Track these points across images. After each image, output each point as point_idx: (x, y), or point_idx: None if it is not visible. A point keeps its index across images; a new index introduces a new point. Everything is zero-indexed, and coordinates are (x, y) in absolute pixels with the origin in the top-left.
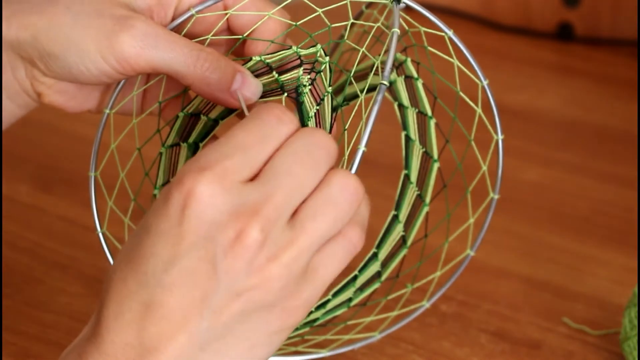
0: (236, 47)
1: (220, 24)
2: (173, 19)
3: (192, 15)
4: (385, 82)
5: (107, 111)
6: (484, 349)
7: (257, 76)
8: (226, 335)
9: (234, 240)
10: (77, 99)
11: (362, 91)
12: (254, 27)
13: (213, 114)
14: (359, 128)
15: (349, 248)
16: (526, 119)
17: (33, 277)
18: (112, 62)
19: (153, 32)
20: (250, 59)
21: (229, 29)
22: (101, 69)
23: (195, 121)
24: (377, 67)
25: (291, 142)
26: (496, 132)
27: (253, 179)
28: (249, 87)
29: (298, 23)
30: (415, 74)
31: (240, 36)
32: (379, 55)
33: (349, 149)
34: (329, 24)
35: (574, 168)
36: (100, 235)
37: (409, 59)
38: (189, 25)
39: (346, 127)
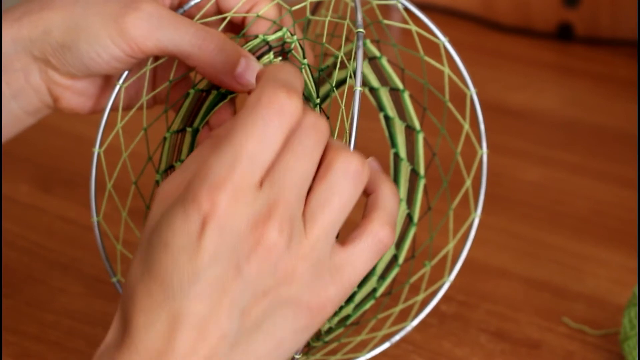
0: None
1: (211, 3)
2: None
3: None
4: (361, 30)
5: (97, 150)
6: (484, 349)
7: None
8: (254, 333)
9: (255, 246)
10: (93, 98)
11: (335, 86)
12: (238, 6)
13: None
14: (346, 87)
15: (378, 247)
16: (526, 119)
17: (33, 277)
18: (121, 44)
19: (158, 13)
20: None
21: (219, 13)
22: (111, 53)
23: (199, 107)
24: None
25: (289, 141)
26: (481, 146)
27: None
28: (252, 72)
29: (293, 8)
30: (377, 53)
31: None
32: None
33: (338, 128)
34: (288, 7)
35: (574, 168)
36: (116, 282)
37: (368, 40)
38: (208, 6)
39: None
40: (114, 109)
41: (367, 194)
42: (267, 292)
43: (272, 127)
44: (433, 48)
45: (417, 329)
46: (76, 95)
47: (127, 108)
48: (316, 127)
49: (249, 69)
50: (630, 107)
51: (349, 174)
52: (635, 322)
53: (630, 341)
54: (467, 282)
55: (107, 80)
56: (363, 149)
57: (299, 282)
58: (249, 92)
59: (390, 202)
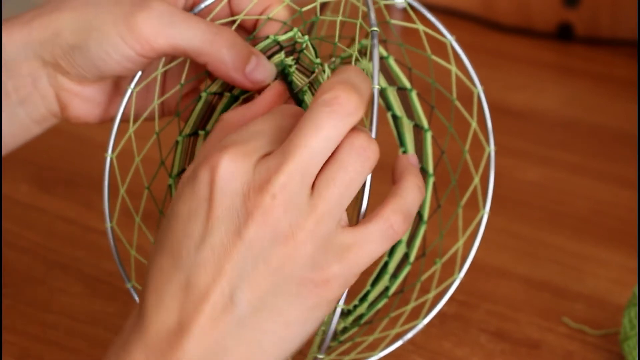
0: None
1: (222, 4)
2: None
3: None
4: (375, 29)
5: (109, 155)
6: (484, 349)
7: None
8: (262, 310)
9: (252, 210)
10: (101, 106)
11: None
12: (249, 7)
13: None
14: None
15: (388, 233)
16: (526, 119)
17: (33, 277)
18: (132, 42)
19: (169, 11)
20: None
21: (232, 15)
22: (122, 53)
23: (211, 111)
24: (361, 51)
25: (307, 112)
26: (489, 143)
27: None
28: (263, 70)
29: (303, 9)
30: (385, 53)
31: (266, 17)
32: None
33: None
34: (298, 9)
35: (573, 168)
36: (130, 288)
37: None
38: (219, 7)
39: None
40: (125, 116)
41: (394, 182)
42: (269, 262)
43: (286, 121)
44: (437, 47)
45: None
46: (84, 102)
47: (135, 118)
48: (340, 110)
49: (260, 66)
50: (630, 107)
51: (354, 149)
52: (635, 322)
53: (630, 341)
54: (467, 282)
55: (116, 88)
56: (380, 144)
57: (302, 256)
58: (259, 92)
59: (410, 194)
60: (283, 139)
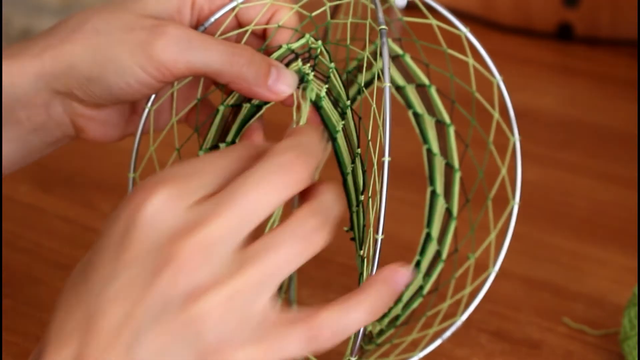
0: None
1: (231, 17)
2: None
3: (234, 8)
4: (384, 27)
5: (131, 175)
6: (484, 349)
7: None
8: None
9: (168, 258)
10: (117, 127)
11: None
12: (258, 18)
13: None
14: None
15: (311, 343)
16: (526, 119)
17: (33, 277)
18: (151, 71)
19: (185, 35)
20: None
21: (240, 26)
22: (141, 81)
23: (231, 121)
24: (375, 52)
25: (256, 167)
26: (512, 133)
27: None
28: (285, 80)
29: (313, 14)
30: (400, 51)
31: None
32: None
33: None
34: (308, 14)
35: (574, 168)
36: None
37: (389, 39)
38: (231, 17)
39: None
40: (143, 132)
41: (360, 287)
42: (176, 319)
43: (238, 150)
44: (448, 44)
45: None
46: (100, 125)
47: (148, 133)
48: (291, 175)
49: (281, 77)
50: (630, 107)
51: (296, 235)
52: (635, 322)
53: (630, 341)
54: (467, 282)
55: (131, 108)
56: (394, 147)
57: (212, 320)
58: (283, 102)
59: (354, 315)
60: (226, 184)
